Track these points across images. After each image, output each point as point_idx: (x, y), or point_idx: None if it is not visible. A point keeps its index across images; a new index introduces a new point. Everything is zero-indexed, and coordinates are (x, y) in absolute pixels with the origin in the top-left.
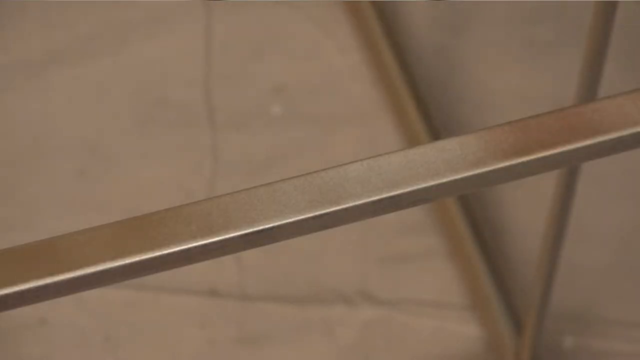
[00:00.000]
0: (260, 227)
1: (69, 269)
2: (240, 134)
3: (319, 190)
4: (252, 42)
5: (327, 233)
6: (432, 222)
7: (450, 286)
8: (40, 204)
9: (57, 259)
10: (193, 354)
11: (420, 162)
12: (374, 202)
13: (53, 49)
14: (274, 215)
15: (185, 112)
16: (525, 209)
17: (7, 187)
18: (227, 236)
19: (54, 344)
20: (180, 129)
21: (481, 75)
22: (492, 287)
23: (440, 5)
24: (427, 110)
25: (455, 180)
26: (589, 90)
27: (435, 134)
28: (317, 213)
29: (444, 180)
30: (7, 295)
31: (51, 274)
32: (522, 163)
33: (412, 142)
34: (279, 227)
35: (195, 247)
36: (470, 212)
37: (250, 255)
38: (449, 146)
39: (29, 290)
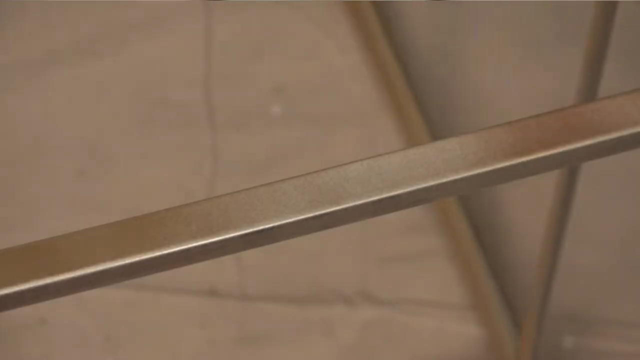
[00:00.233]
0: (260, 227)
1: (69, 269)
2: (240, 134)
3: (319, 190)
4: (252, 42)
5: (327, 233)
6: (432, 222)
7: (450, 286)
8: (40, 204)
9: (57, 259)
10: (193, 354)
11: (420, 162)
12: (374, 202)
13: (53, 49)
14: (274, 215)
15: (185, 112)
16: (525, 209)
17: (7, 187)
18: (227, 236)
19: (54, 344)
20: (180, 129)
21: (481, 75)
22: (492, 287)
23: (440, 5)
24: (427, 110)
25: (455, 180)
26: (589, 90)
27: (435, 134)
28: (317, 213)
29: (444, 180)
30: (7, 295)
31: (51, 274)
32: (522, 163)
33: (412, 142)
34: (279, 227)
35: (195, 247)
36: (470, 212)
37: (250, 255)
38: (449, 146)
39: (29, 290)
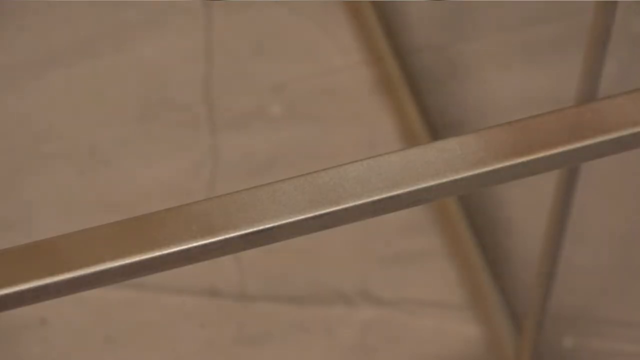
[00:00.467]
0: (260, 227)
1: (69, 269)
2: (240, 134)
3: (319, 190)
4: (252, 43)
5: (327, 233)
6: (432, 222)
7: (450, 286)
8: (40, 204)
9: (57, 259)
10: (193, 354)
11: (420, 162)
12: (374, 202)
13: (53, 49)
14: (274, 215)
15: (185, 112)
16: (525, 209)
17: (7, 187)
18: (227, 236)
19: (54, 344)
20: (180, 129)
21: (481, 75)
22: (492, 287)
23: (440, 5)
24: (427, 110)
25: (455, 180)
26: (589, 90)
27: (435, 134)
28: (317, 213)
29: (444, 180)
30: (7, 295)
31: (51, 274)
32: (522, 163)
33: (412, 142)
34: (279, 227)
35: (195, 247)
36: (470, 212)
37: (250, 255)
38: (449, 146)
39: (29, 290)
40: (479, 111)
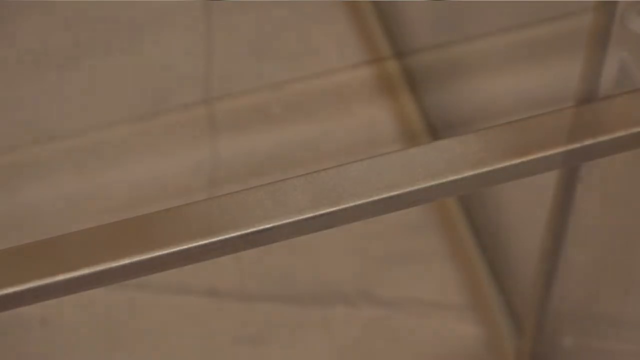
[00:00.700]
0: (260, 227)
1: (69, 269)
2: (240, 134)
3: (319, 190)
4: (252, 42)
5: (327, 233)
6: (432, 222)
7: (450, 286)
8: (40, 204)
9: (57, 259)
10: (193, 354)
11: (420, 162)
12: (374, 202)
13: (53, 49)
14: (274, 215)
15: (185, 112)
16: (525, 209)
17: (7, 187)
18: (227, 236)
19: (54, 344)
20: (181, 129)
21: (481, 75)
22: (492, 287)
23: (440, 5)
24: (427, 110)
25: (455, 180)
26: (589, 90)
27: (435, 134)
28: (317, 213)
29: (444, 180)
30: (7, 295)
31: (51, 274)
32: (522, 163)
33: (412, 142)
34: (279, 227)
35: (195, 247)
36: (470, 212)
37: (250, 255)
38: (449, 146)
39: (29, 290)
40: (479, 111)
